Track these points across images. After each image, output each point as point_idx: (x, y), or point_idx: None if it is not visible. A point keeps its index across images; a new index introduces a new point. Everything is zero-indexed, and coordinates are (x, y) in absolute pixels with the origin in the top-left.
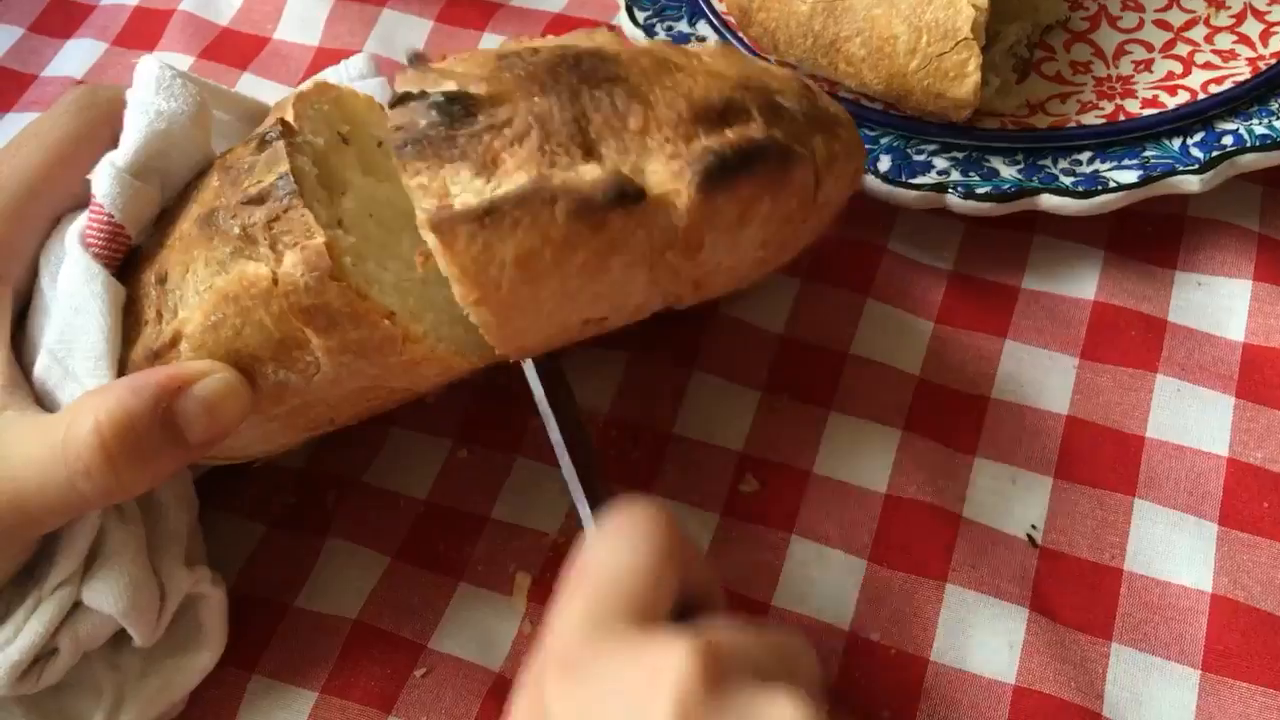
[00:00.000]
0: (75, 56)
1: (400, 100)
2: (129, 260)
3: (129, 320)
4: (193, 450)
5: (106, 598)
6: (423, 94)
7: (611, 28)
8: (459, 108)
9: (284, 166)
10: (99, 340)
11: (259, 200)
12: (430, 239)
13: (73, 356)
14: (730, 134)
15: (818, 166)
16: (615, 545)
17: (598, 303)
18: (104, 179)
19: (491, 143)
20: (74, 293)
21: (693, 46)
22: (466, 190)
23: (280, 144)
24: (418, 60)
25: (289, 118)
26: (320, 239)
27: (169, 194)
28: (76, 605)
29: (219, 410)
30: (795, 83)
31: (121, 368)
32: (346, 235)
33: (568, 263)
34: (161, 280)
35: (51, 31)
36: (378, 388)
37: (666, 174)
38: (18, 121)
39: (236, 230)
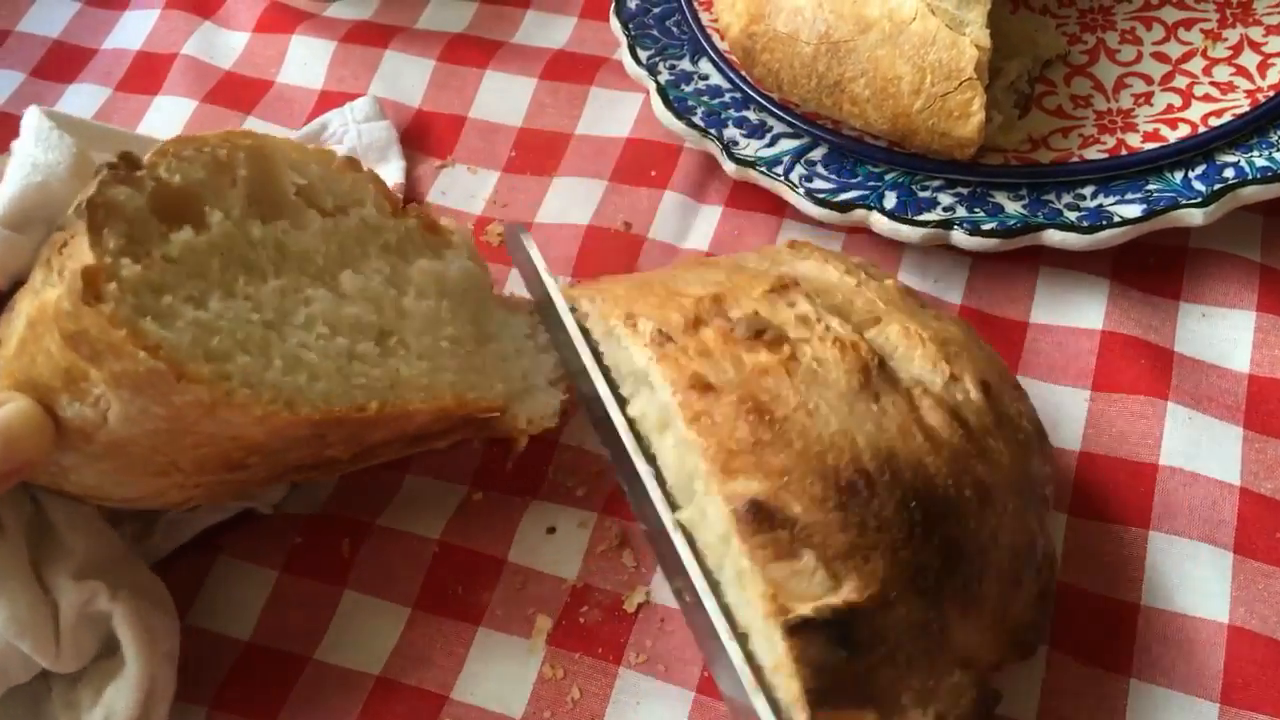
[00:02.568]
0: (78, 102)
1: (795, 631)
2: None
3: None
4: None
5: None
6: (816, 620)
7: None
8: (851, 637)
9: (87, 195)
10: None
11: (62, 227)
12: None
13: None
14: None
15: None
16: None
17: None
18: None
19: (891, 676)
20: None
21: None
22: None
23: (104, 173)
24: None
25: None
26: (82, 263)
27: None
28: None
29: (14, 439)
30: None
31: None
32: (133, 265)
33: None
34: (9, 313)
35: (53, 77)
36: (198, 434)
37: None
38: None
39: (46, 257)
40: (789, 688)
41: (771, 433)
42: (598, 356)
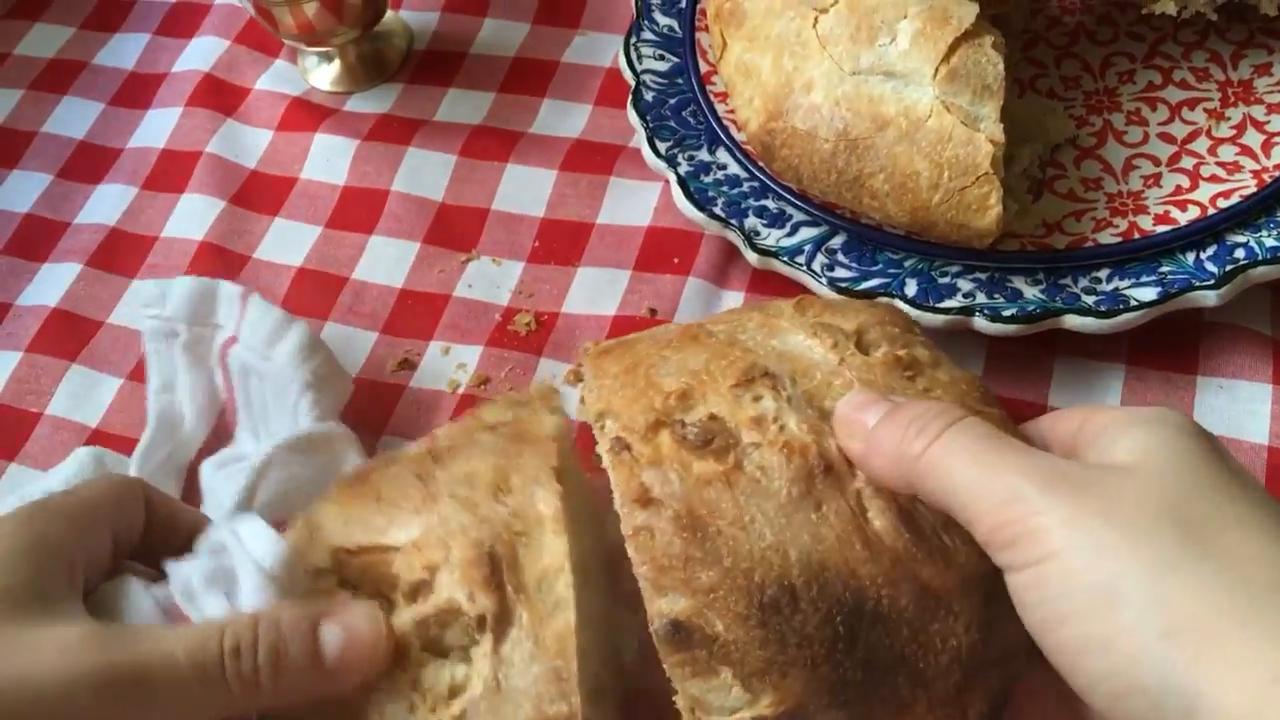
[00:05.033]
0: (107, 202)
1: None
2: None
3: None
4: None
5: None
6: None
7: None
8: None
9: None
10: None
11: None
12: None
13: None
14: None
15: None
16: None
17: None
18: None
19: None
20: None
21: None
22: None
23: None
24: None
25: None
26: None
27: None
28: None
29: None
30: None
31: None
32: None
33: None
34: None
35: (80, 178)
36: None
37: None
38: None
39: None
40: None
41: (703, 550)
42: None
